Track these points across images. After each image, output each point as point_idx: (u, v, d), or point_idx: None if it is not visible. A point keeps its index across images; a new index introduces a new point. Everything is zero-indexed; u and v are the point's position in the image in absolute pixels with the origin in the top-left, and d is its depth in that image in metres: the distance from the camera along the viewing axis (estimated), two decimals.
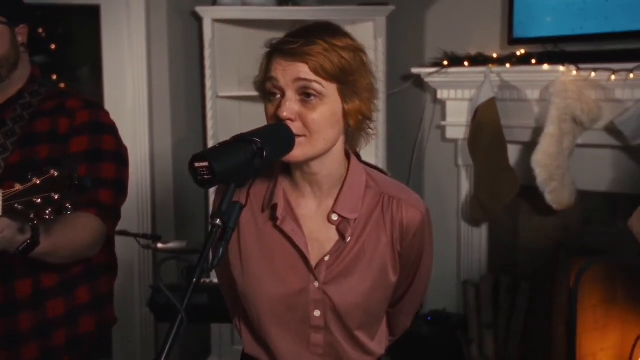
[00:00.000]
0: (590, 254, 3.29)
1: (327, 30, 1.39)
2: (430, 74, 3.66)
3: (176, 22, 3.89)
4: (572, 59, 3.21)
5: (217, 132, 3.82)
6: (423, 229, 1.52)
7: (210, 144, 3.80)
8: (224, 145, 1.24)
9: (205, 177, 1.17)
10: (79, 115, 1.87)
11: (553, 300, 3.40)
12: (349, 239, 1.46)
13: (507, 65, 3.43)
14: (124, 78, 3.80)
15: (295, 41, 1.35)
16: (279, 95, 1.37)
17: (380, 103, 3.75)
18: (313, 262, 1.47)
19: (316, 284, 1.46)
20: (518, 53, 3.43)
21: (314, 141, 1.37)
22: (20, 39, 1.90)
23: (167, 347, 1.11)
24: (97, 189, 1.82)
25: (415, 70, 3.73)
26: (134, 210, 3.70)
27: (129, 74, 3.79)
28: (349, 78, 1.38)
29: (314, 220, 1.48)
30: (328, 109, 1.37)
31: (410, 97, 3.93)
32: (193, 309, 1.09)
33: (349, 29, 4.58)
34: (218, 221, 1.19)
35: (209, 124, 3.81)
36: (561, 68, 3.20)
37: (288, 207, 1.48)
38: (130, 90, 3.80)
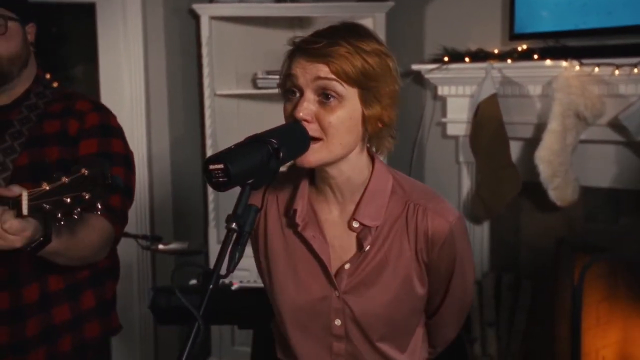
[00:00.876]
0: (594, 251, 3.27)
1: (354, 32, 1.34)
2: (431, 70, 3.63)
3: (173, 20, 3.84)
4: (574, 54, 3.17)
5: (215, 131, 3.77)
6: (453, 240, 1.43)
7: (209, 142, 3.76)
8: (239, 147, 1.20)
9: (221, 179, 1.14)
10: (89, 117, 1.85)
11: (556, 298, 3.38)
12: (367, 248, 1.41)
13: (509, 60, 3.40)
14: (120, 77, 3.75)
15: (319, 41, 1.30)
16: (297, 95, 1.33)
17: None
18: (333, 270, 1.43)
19: (336, 292, 1.43)
20: (519, 48, 3.40)
21: (330, 145, 1.32)
22: (29, 37, 1.88)
23: (185, 353, 1.07)
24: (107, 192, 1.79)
25: (415, 67, 3.70)
26: (132, 210, 3.64)
27: (125, 73, 3.74)
28: (371, 83, 1.33)
29: (337, 227, 1.44)
30: (346, 112, 1.32)
31: (410, 93, 3.89)
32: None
33: None
34: (234, 225, 1.15)
35: (207, 122, 3.77)
36: (564, 63, 3.16)
37: (311, 212, 1.44)
38: (127, 89, 3.75)
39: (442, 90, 3.70)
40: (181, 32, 3.88)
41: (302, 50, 1.32)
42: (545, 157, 3.15)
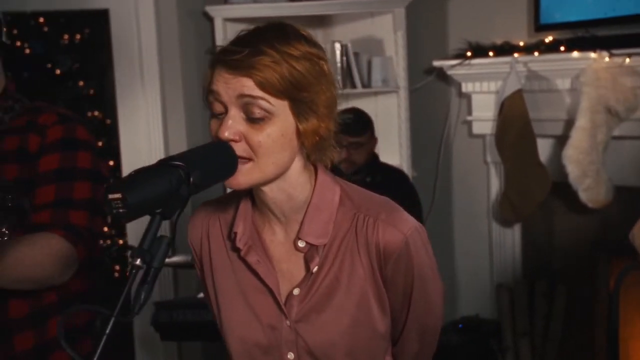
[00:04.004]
0: (632, 254, 3.05)
1: (279, 36, 1.19)
2: (453, 66, 3.46)
3: (187, 23, 3.77)
4: (604, 44, 2.97)
5: None
6: (409, 253, 1.26)
7: None
8: (142, 172, 1.06)
9: (121, 210, 1.01)
10: (51, 131, 1.74)
11: (593, 305, 3.19)
12: (315, 269, 1.27)
13: (536, 53, 3.20)
14: (135, 82, 3.69)
15: (240, 50, 1.16)
16: (223, 112, 1.19)
17: (402, 99, 3.63)
18: (283, 297, 1.28)
19: (287, 322, 1.28)
20: (547, 40, 3.19)
21: (262, 165, 1.18)
22: None
23: None
24: (66, 210, 1.69)
25: (436, 63, 3.53)
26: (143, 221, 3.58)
27: (140, 78, 3.68)
28: (303, 93, 1.18)
29: (283, 248, 1.30)
30: (277, 129, 1.17)
31: (435, 91, 3.73)
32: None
33: (366, 22, 4.42)
34: (138, 261, 1.01)
35: None
36: (592, 54, 2.96)
37: (255, 234, 1.30)
38: (142, 94, 3.69)
39: (466, 87, 3.54)
40: (196, 35, 3.80)
41: (223, 62, 1.17)
42: (573, 157, 2.96)
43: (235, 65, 1.15)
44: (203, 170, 1.09)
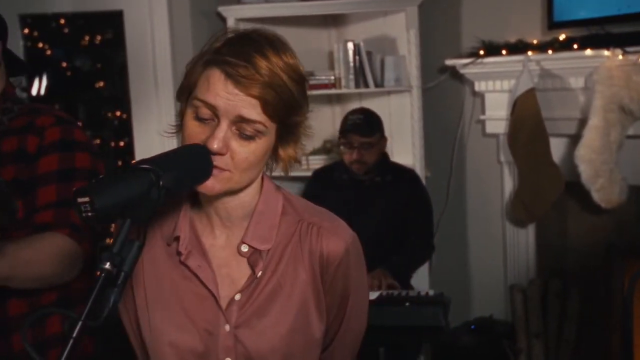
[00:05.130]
0: None
1: (278, 50, 1.18)
2: (466, 65, 3.42)
3: (200, 23, 3.78)
4: (618, 42, 2.91)
5: None
6: (348, 261, 1.30)
7: None
8: (111, 176, 1.06)
9: (89, 214, 1.01)
10: (49, 132, 1.75)
11: (607, 306, 3.13)
12: (259, 274, 1.27)
13: (549, 51, 3.16)
14: (149, 82, 3.71)
15: (246, 65, 1.14)
16: (210, 119, 1.18)
17: (415, 98, 3.60)
18: (223, 302, 1.27)
19: (227, 327, 1.27)
20: (560, 38, 3.15)
21: (238, 178, 1.20)
22: None
23: None
24: (69, 209, 1.70)
25: (449, 62, 3.50)
26: None
27: (153, 78, 3.70)
28: (293, 118, 1.21)
29: (224, 253, 1.29)
30: (263, 147, 1.20)
31: (448, 90, 3.70)
32: None
33: (379, 21, 4.39)
34: (108, 265, 1.01)
35: None
36: (606, 52, 2.90)
37: (194, 239, 1.29)
38: (155, 93, 3.71)
39: (479, 86, 3.50)
40: (208, 35, 3.74)
41: (230, 75, 1.15)
42: (585, 156, 2.91)
43: (245, 84, 1.14)
44: (174, 174, 1.08)
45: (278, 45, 1.20)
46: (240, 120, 1.16)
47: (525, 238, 3.52)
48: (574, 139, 3.10)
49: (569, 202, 3.32)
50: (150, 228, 1.32)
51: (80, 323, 0.97)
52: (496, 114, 3.47)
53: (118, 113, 4.67)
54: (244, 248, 1.27)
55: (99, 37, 4.78)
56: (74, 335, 0.97)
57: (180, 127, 1.24)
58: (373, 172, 3.13)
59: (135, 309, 1.33)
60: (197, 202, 1.30)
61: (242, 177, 1.20)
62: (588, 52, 2.98)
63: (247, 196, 1.27)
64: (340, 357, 1.41)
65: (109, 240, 3.63)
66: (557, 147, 3.22)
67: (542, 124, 3.17)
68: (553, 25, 3.21)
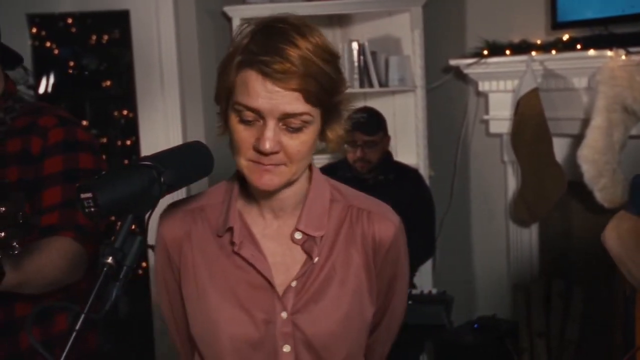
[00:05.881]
0: None
1: (306, 34, 1.19)
2: (470, 65, 3.44)
3: (206, 23, 3.81)
4: (621, 42, 2.92)
5: None
6: (398, 245, 1.35)
7: None
8: (113, 172, 1.09)
9: (92, 209, 1.03)
10: (52, 133, 1.75)
11: (610, 306, 3.14)
12: (316, 259, 1.29)
13: (553, 52, 3.17)
14: (155, 81, 3.74)
15: (280, 60, 1.15)
16: (255, 119, 1.19)
17: (420, 98, 3.62)
18: (279, 290, 1.29)
19: (284, 314, 1.28)
20: (564, 38, 3.16)
21: (295, 169, 1.23)
22: None
23: None
24: (74, 210, 1.71)
25: (453, 62, 3.52)
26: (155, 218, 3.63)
27: (159, 77, 3.72)
28: (334, 98, 1.23)
29: (277, 242, 1.31)
30: (311, 135, 1.22)
31: (452, 90, 3.72)
32: None
33: (384, 21, 4.41)
34: (110, 259, 1.03)
35: None
36: (609, 52, 2.91)
37: (245, 229, 1.31)
38: (161, 93, 3.74)
39: (483, 86, 3.52)
40: (215, 35, 3.83)
41: (266, 74, 1.16)
42: (588, 156, 2.92)
43: (284, 79, 1.15)
44: (176, 170, 1.11)
45: (304, 29, 1.21)
46: (286, 117, 1.18)
47: (528, 237, 3.54)
48: (577, 139, 3.11)
49: (572, 202, 3.33)
50: (193, 221, 1.33)
51: (83, 316, 0.99)
52: (500, 113, 3.49)
53: (125, 112, 4.70)
54: (298, 235, 1.30)
55: (105, 37, 4.81)
56: (77, 327, 0.98)
57: (223, 128, 1.27)
58: (376, 171, 3.15)
59: (181, 303, 1.35)
60: (244, 194, 1.33)
61: (298, 167, 1.23)
62: (591, 52, 2.99)
63: (299, 185, 1.30)
64: (383, 342, 1.44)
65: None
66: (560, 147, 3.24)
67: (545, 124, 3.18)
68: (557, 25, 3.22)
